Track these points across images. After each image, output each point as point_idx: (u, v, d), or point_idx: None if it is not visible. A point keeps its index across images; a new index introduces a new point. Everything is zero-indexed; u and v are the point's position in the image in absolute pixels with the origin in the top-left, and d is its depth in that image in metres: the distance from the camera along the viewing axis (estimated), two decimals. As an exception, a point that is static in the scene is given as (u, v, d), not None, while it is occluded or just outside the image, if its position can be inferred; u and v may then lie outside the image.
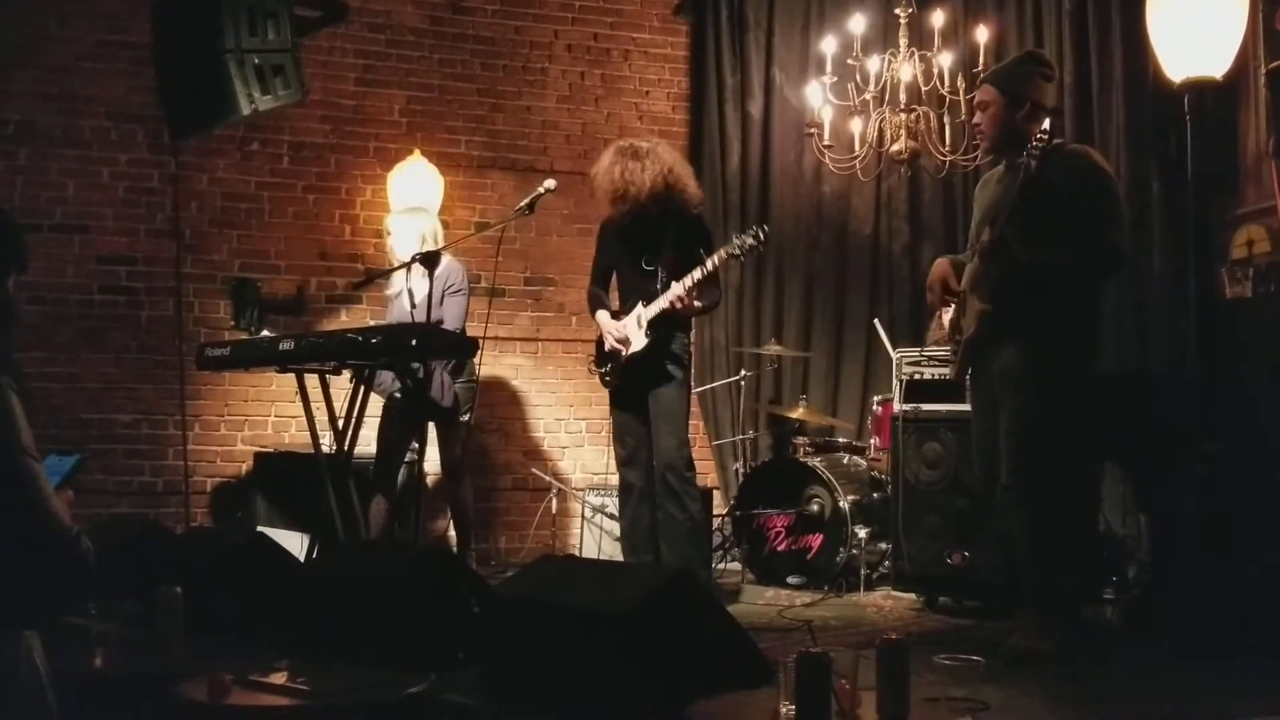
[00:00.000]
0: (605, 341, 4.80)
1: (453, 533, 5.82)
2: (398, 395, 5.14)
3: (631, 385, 4.74)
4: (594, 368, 4.91)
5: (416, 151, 6.63)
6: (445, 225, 5.80)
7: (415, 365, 4.73)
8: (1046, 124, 3.78)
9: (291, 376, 4.93)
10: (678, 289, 4.57)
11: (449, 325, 5.11)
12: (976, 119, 3.99)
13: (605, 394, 4.95)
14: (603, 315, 4.85)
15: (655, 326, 4.65)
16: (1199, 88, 4.44)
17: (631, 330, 4.71)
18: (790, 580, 5.43)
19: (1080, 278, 3.77)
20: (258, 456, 6.19)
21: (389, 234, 5.34)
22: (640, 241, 4.76)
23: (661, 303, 4.62)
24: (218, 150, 6.47)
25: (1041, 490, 3.74)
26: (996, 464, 3.88)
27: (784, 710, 2.42)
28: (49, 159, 6.21)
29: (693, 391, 4.87)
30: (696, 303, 4.64)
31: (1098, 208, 3.73)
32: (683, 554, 4.57)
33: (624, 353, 4.71)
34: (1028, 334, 3.74)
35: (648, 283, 4.70)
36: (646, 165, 4.66)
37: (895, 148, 5.76)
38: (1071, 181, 3.73)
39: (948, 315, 4.18)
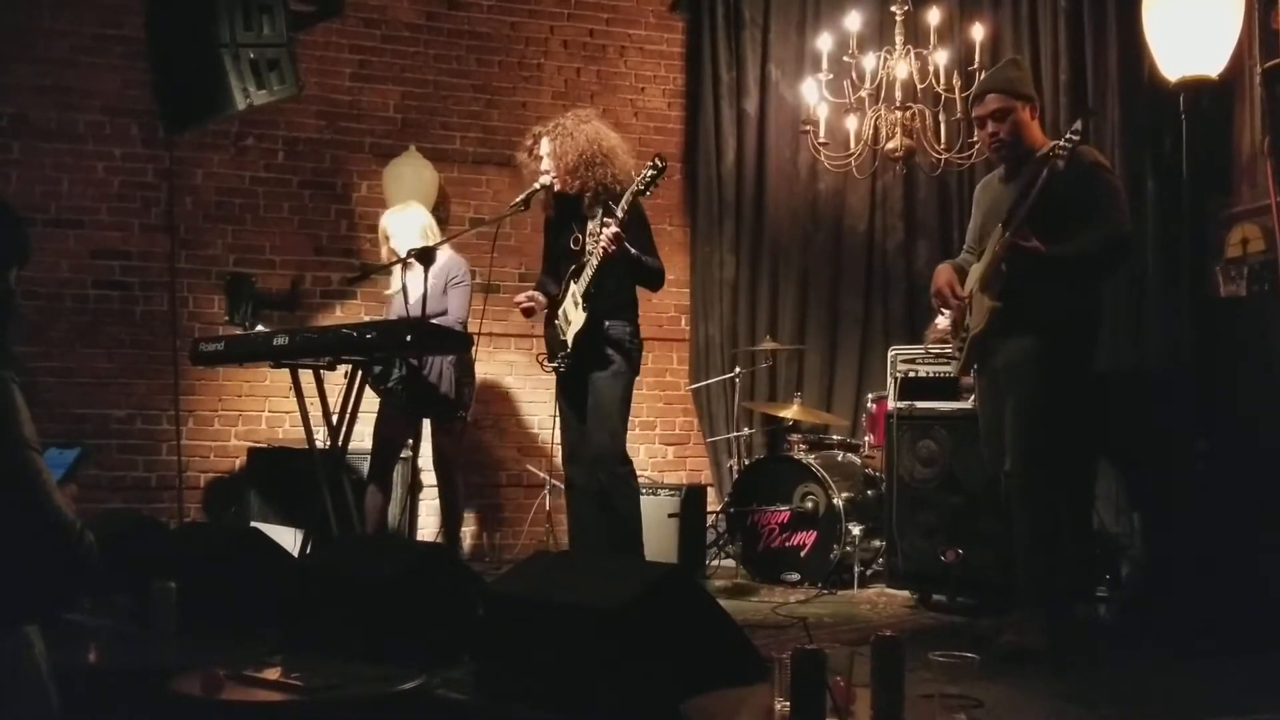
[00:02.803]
0: (530, 311, 4.67)
1: (438, 528, 5.82)
2: (396, 388, 5.13)
3: (573, 375, 4.55)
4: (546, 363, 4.67)
5: (412, 147, 6.63)
6: (441, 221, 5.79)
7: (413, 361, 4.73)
8: (1078, 124, 3.77)
9: (286, 372, 4.92)
10: (601, 239, 4.33)
11: (454, 316, 5.11)
12: (991, 128, 3.93)
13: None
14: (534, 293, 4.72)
15: (592, 299, 4.44)
16: (1195, 86, 4.44)
17: (569, 310, 4.51)
18: (784, 577, 5.43)
19: (1094, 269, 3.82)
20: (251, 452, 6.19)
21: (387, 237, 5.28)
22: (563, 222, 4.67)
23: (590, 265, 4.41)
24: (212, 145, 6.46)
25: (1045, 481, 3.77)
26: (1003, 457, 3.90)
27: (779, 707, 2.42)
28: (43, 153, 6.20)
29: (634, 384, 4.61)
30: (632, 250, 4.37)
31: (1103, 202, 3.77)
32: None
33: (566, 337, 4.50)
34: (1035, 327, 3.77)
35: (576, 261, 4.54)
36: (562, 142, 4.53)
37: (890, 145, 5.76)
38: (1077, 180, 3.76)
39: (944, 316, 4.21)
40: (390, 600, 3.32)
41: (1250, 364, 4.33)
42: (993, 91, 3.95)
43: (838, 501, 5.30)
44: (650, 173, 4.33)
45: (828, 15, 6.79)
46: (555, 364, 4.59)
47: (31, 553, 2.06)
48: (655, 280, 4.62)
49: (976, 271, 3.95)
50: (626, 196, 4.35)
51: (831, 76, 5.82)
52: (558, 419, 4.73)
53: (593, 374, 4.49)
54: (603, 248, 4.33)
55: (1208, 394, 4.19)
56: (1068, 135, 3.72)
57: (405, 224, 5.25)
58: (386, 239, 5.28)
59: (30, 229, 2.44)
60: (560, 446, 4.77)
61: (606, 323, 4.50)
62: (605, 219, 4.35)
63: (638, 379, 4.68)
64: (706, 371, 7.00)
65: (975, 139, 5.42)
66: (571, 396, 4.61)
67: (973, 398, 4.47)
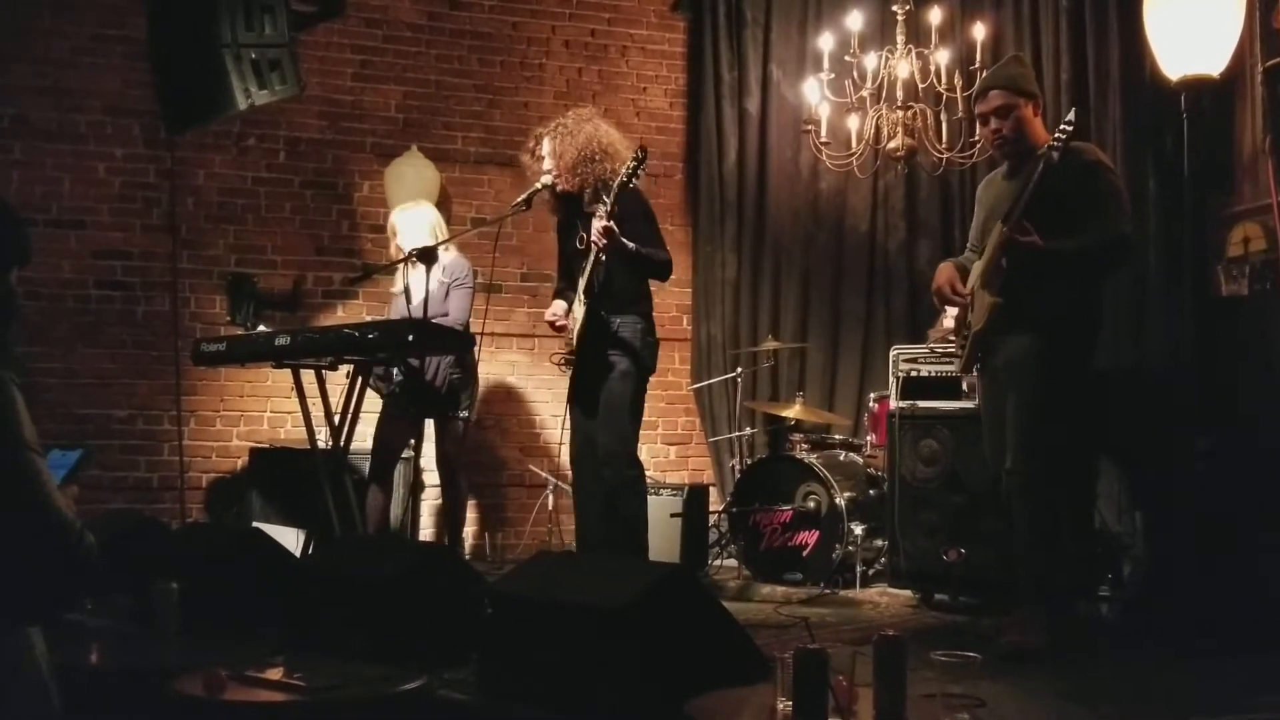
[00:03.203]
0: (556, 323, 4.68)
1: (435, 527, 5.81)
2: (397, 390, 5.13)
3: (580, 374, 4.55)
4: (555, 361, 4.69)
5: (413, 147, 6.63)
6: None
7: (413, 361, 4.72)
8: (1071, 115, 3.78)
9: (287, 372, 4.92)
10: (592, 231, 4.33)
11: (454, 318, 5.10)
12: (994, 124, 3.94)
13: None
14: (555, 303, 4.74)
15: (592, 295, 4.44)
16: (1196, 85, 4.43)
17: (575, 308, 4.53)
18: (786, 577, 5.43)
19: (1094, 266, 3.82)
20: (253, 452, 6.19)
21: (395, 233, 5.28)
22: (570, 223, 4.67)
23: (589, 261, 4.42)
24: (214, 145, 6.46)
25: (1045, 477, 3.77)
26: (1005, 454, 3.90)
27: (781, 706, 2.42)
28: (44, 153, 6.21)
29: (647, 384, 4.59)
30: (629, 244, 4.35)
31: (1104, 201, 3.78)
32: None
33: (570, 330, 4.52)
34: (1036, 324, 3.77)
35: (583, 259, 4.54)
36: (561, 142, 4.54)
37: (892, 145, 5.75)
38: (1077, 178, 3.77)
39: (952, 314, 4.21)
40: (392, 600, 3.32)
41: (1251, 363, 4.33)
42: (996, 88, 3.96)
43: (840, 501, 5.29)
44: (632, 163, 4.35)
45: (829, 15, 6.79)
46: (560, 360, 4.60)
47: (32, 553, 2.06)
48: (660, 271, 4.59)
49: (978, 268, 3.95)
50: (613, 189, 4.35)
51: (833, 76, 5.81)
52: (566, 419, 4.73)
53: (601, 375, 4.48)
54: (592, 241, 4.35)
55: (1209, 393, 4.19)
56: (1060, 127, 3.74)
57: (412, 221, 5.23)
58: (394, 235, 5.28)
59: (31, 229, 2.43)
60: (568, 446, 4.77)
61: (617, 319, 4.50)
62: (600, 214, 4.36)
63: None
64: (708, 371, 7.00)
65: (977, 138, 5.43)
66: (580, 396, 4.60)
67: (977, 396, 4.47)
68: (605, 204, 4.36)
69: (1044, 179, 3.70)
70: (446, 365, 5.12)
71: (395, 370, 5.04)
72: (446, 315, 5.08)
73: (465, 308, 5.20)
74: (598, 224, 4.31)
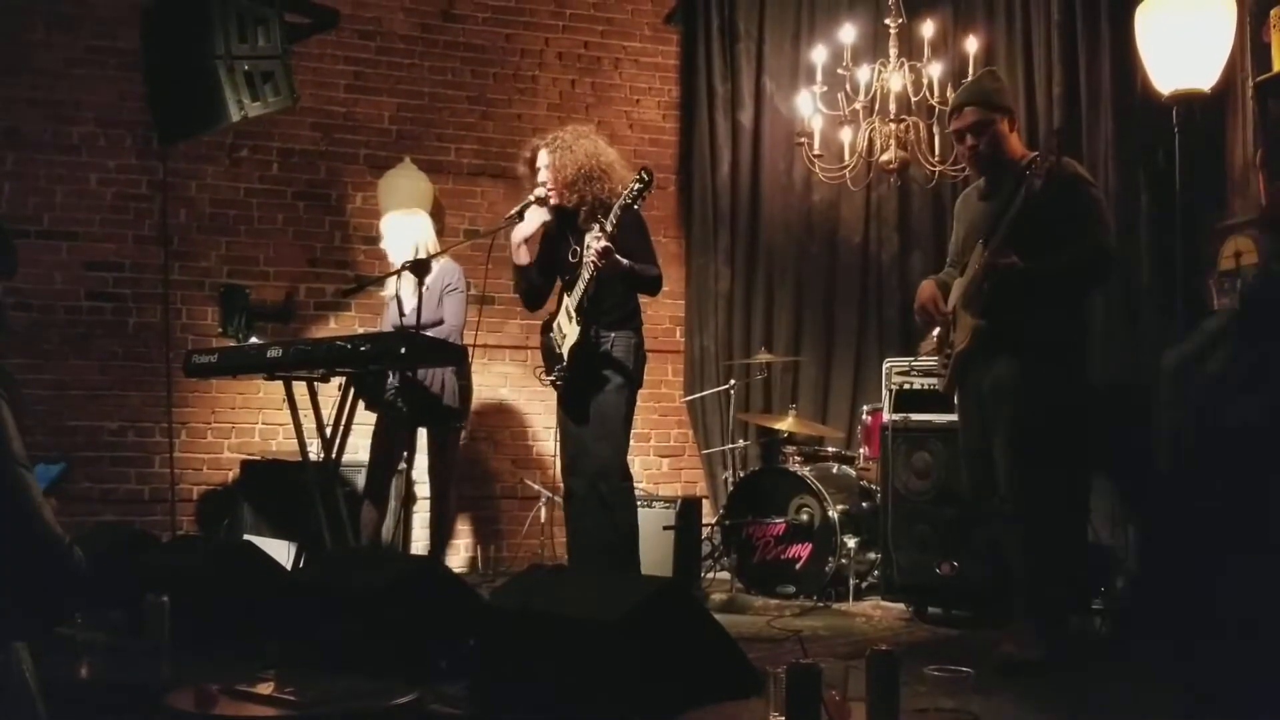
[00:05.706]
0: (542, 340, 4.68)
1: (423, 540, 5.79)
2: (391, 398, 5.11)
3: (573, 388, 4.54)
4: (543, 376, 4.68)
5: (406, 159, 6.63)
6: (436, 233, 5.78)
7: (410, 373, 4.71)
8: (1053, 149, 3.78)
9: (279, 384, 4.91)
10: (589, 253, 4.32)
11: (450, 323, 5.11)
12: (970, 140, 3.92)
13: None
14: None
15: (585, 312, 4.43)
16: (1187, 100, 4.46)
17: (563, 323, 4.52)
18: (780, 590, 5.42)
19: (1078, 282, 3.81)
20: (245, 464, 6.17)
21: (383, 236, 5.30)
22: (561, 234, 4.67)
23: (582, 278, 4.40)
24: (207, 156, 6.46)
25: (1040, 498, 3.76)
26: (983, 474, 3.90)
27: (774, 721, 2.42)
28: (37, 165, 6.20)
29: (637, 397, 4.57)
30: (624, 261, 4.34)
31: (1086, 215, 3.77)
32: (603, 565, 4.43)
33: (562, 350, 4.50)
34: (1021, 348, 3.76)
35: (573, 273, 4.53)
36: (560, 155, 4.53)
37: (885, 157, 5.77)
38: (1058, 195, 3.77)
39: (937, 331, 4.21)
40: (384, 614, 3.30)
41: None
42: (970, 104, 3.93)
43: (833, 514, 5.29)
44: (637, 185, 4.33)
45: (822, 28, 6.81)
46: (552, 378, 4.59)
47: (21, 569, 2.06)
48: (652, 286, 4.59)
49: (959, 286, 3.94)
50: (614, 209, 4.35)
51: (826, 89, 5.83)
52: (557, 430, 4.72)
53: (595, 389, 4.47)
54: (591, 261, 4.35)
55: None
56: (1042, 155, 3.73)
57: (400, 230, 5.24)
58: (382, 238, 5.32)
59: (20, 241, 2.43)
60: (560, 458, 4.76)
61: (613, 334, 4.49)
62: (598, 234, 4.36)
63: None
64: (701, 383, 6.99)
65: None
66: (571, 408, 4.59)
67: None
68: (603, 223, 4.36)
69: (1026, 204, 3.69)
70: (452, 375, 5.12)
71: (390, 378, 5.02)
72: (441, 322, 5.08)
73: (459, 312, 5.21)
74: (596, 244, 4.30)
